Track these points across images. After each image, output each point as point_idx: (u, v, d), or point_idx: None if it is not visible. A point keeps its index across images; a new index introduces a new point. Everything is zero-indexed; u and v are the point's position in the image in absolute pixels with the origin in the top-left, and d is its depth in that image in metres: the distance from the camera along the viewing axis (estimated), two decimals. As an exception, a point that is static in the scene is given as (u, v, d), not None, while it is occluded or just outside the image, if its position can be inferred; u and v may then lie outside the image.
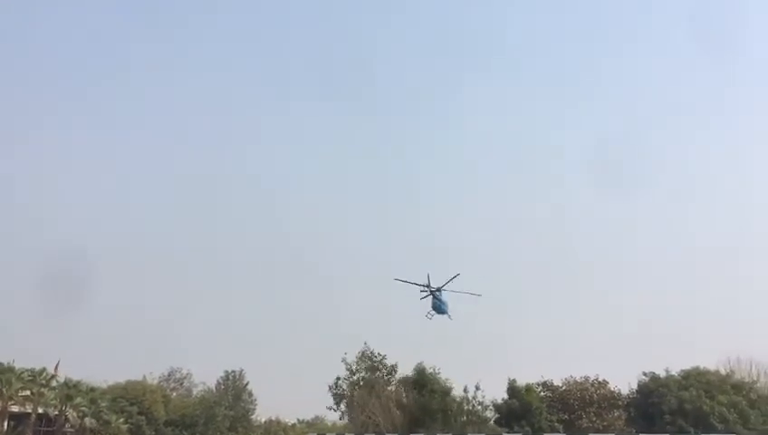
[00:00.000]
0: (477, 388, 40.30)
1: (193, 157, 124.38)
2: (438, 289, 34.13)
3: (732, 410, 45.49)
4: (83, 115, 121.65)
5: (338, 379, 49.21)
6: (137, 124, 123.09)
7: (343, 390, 48.92)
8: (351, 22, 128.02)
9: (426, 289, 34.14)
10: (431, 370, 39.56)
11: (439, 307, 35.06)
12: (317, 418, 71.08)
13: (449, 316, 35.10)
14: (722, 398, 46.20)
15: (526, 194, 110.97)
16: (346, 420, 50.13)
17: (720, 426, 42.81)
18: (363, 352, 49.58)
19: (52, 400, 54.21)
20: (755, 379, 57.10)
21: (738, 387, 49.17)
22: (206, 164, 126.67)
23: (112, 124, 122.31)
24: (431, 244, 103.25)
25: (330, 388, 49.37)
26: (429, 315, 34.81)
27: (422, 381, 38.70)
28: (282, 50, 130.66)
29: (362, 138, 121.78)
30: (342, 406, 49.22)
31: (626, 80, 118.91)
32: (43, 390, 54.22)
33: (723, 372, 52.87)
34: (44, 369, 56.22)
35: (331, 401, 49.84)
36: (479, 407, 40.46)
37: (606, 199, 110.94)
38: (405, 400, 39.98)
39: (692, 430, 41.55)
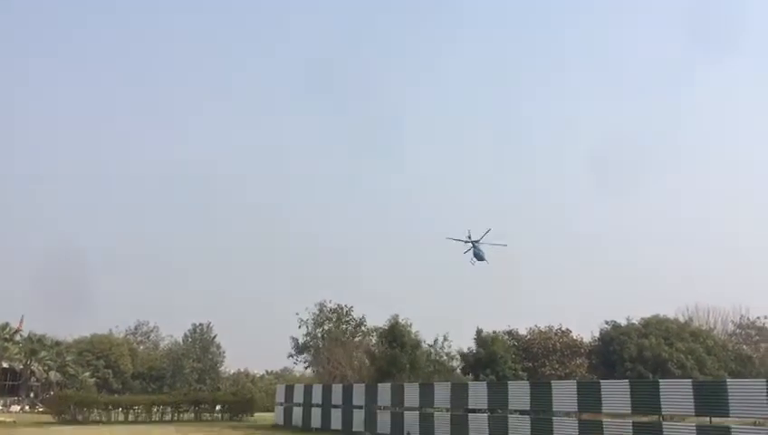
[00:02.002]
0: (445, 338, 40.92)
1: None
2: (477, 241, 41.09)
3: (689, 356, 46.86)
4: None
5: (296, 339, 49.62)
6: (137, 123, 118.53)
7: (307, 343, 49.24)
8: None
9: (469, 241, 41.09)
10: (404, 322, 39.78)
11: (479, 255, 41.61)
12: (285, 369, 71.75)
13: (487, 262, 41.88)
14: (680, 345, 47.52)
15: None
16: (311, 371, 50.66)
17: (678, 372, 44.12)
18: (321, 306, 49.80)
19: (16, 354, 53.77)
20: (713, 326, 58.88)
21: (696, 334, 50.56)
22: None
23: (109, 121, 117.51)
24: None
25: (292, 340, 49.88)
26: (472, 262, 41.65)
27: (394, 334, 38.98)
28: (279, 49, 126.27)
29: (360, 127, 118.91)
30: (307, 356, 49.64)
31: (626, 80, 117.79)
32: (6, 344, 53.69)
33: (682, 319, 54.37)
34: (7, 324, 55.61)
35: (293, 354, 50.30)
36: (446, 357, 41.14)
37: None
38: (376, 351, 40.31)
39: (651, 375, 42.75)
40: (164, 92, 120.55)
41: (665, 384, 21.10)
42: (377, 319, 48.12)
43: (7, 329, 55.13)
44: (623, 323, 50.62)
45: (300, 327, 49.55)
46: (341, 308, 50.15)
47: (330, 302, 50.43)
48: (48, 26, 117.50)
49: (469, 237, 41.36)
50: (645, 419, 21.71)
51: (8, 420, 37.40)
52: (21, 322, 57.87)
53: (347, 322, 49.75)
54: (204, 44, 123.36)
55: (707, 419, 20.02)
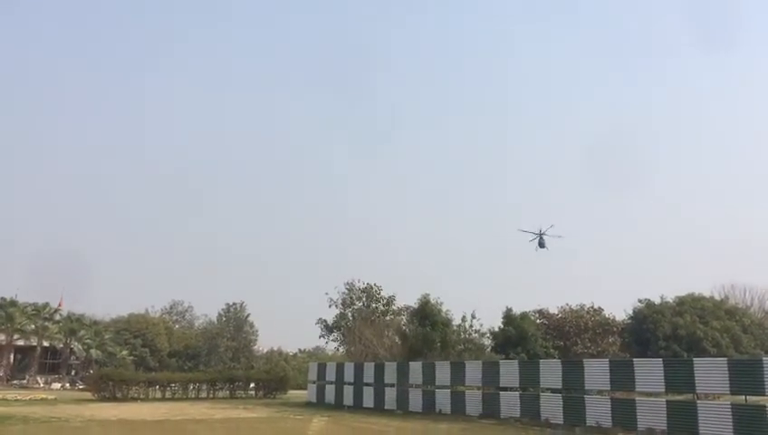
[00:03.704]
0: (473, 316, 40.67)
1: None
2: (544, 233, 50.05)
3: (725, 334, 46.18)
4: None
5: (324, 320, 50.11)
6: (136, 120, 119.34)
7: (338, 322, 49.60)
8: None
9: (538, 234, 50.04)
10: (434, 301, 39.72)
11: (543, 244, 50.26)
12: (318, 348, 72.38)
13: (547, 249, 50.74)
14: (715, 323, 46.80)
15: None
16: (342, 350, 51.04)
17: (713, 350, 43.52)
18: (351, 286, 50.07)
19: (56, 333, 55.17)
20: (749, 305, 57.89)
21: (732, 312, 49.75)
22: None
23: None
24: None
25: (320, 321, 50.41)
26: (536, 250, 50.68)
27: (425, 312, 38.99)
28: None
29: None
30: (336, 335, 50.07)
31: (624, 79, 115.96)
32: (46, 324, 55.12)
33: (717, 297, 53.50)
34: (47, 304, 57.05)
35: (324, 334, 50.83)
36: (476, 335, 40.99)
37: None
38: (407, 330, 40.38)
39: (685, 354, 42.23)
40: (163, 89, 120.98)
41: (699, 363, 20.87)
42: (406, 298, 48.41)
43: (47, 308, 56.58)
44: (657, 301, 50.06)
45: (330, 307, 49.98)
46: (371, 287, 50.37)
47: (359, 281, 50.71)
48: (48, 22, 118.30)
49: (539, 230, 50.17)
50: (679, 397, 21.56)
51: (50, 397, 38.51)
52: (60, 301, 59.42)
53: (377, 301, 49.97)
54: (201, 42, 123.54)
55: (743, 397, 19.81)
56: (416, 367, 31.42)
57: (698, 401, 20.43)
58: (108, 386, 38.63)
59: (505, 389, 26.75)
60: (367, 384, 33.66)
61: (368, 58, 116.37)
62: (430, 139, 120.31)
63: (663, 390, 21.31)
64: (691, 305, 48.72)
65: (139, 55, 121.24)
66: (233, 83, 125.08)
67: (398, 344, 40.25)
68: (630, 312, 50.81)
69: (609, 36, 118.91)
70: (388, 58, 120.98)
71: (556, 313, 49.84)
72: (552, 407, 24.23)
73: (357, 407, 33.21)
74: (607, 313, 50.23)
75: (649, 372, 21.61)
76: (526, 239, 52.02)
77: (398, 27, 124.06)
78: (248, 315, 73.99)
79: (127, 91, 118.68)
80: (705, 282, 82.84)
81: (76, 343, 55.99)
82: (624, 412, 21.70)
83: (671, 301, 49.78)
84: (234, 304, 73.67)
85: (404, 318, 45.86)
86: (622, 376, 22.38)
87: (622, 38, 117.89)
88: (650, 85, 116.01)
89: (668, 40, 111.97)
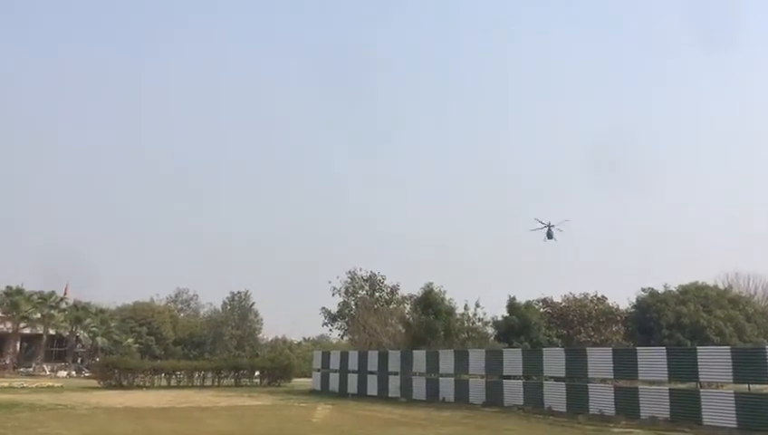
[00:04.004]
0: (477, 305, 40.63)
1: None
2: (552, 225, 52.45)
3: (728, 323, 46.21)
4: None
5: (327, 310, 50.19)
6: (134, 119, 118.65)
7: (342, 310, 49.66)
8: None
9: (546, 225, 52.50)
10: (437, 290, 39.72)
11: (551, 234, 52.68)
12: (322, 337, 72.58)
13: (555, 240, 53.23)
14: (719, 312, 46.82)
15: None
16: (346, 339, 51.14)
17: (716, 339, 43.57)
18: (353, 275, 50.11)
19: (62, 321, 55.42)
20: (753, 293, 57.85)
21: (735, 301, 49.76)
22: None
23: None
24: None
25: (323, 311, 50.49)
26: (545, 240, 53.21)
27: (428, 301, 39.01)
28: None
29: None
30: (341, 324, 50.14)
31: (624, 79, 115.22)
32: (52, 312, 55.37)
33: (721, 286, 53.49)
34: (53, 292, 57.29)
35: (327, 323, 50.94)
36: (479, 323, 40.99)
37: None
38: (411, 319, 40.42)
39: (689, 342, 42.28)
40: (162, 90, 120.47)
41: (702, 351, 20.88)
42: (410, 287, 48.48)
43: (53, 297, 56.82)
44: (660, 290, 50.07)
45: (333, 295, 50.07)
46: (374, 276, 50.40)
47: (361, 270, 50.76)
48: (48, 22, 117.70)
49: (548, 224, 52.65)
50: (682, 386, 21.59)
51: (56, 384, 38.77)
52: (66, 289, 59.63)
53: (380, 289, 50.01)
54: (201, 43, 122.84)
55: (746, 386, 19.84)
56: (419, 355, 31.52)
57: (701, 390, 20.45)
58: (113, 374, 38.85)
59: (509, 377, 26.80)
60: (371, 372, 33.77)
61: (368, 58, 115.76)
62: (430, 139, 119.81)
63: (666, 378, 21.31)
64: (695, 294, 48.75)
65: (139, 56, 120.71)
66: (232, 83, 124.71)
67: (401, 333, 40.34)
68: (634, 300, 50.94)
69: (609, 36, 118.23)
70: (389, 58, 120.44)
71: (560, 301, 49.88)
72: (555, 395, 24.30)
73: (361, 395, 33.34)
74: (610, 301, 50.34)
75: (653, 361, 21.61)
76: (530, 232, 53.85)
77: (398, 27, 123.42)
78: (253, 304, 74.19)
79: (126, 91, 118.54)
80: (709, 271, 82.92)
81: (82, 331, 56.28)
82: (627, 400, 21.74)
83: (675, 290, 49.81)
84: (238, 292, 73.89)
85: (407, 307, 45.87)
86: (625, 365, 22.40)
87: (622, 38, 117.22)
88: (650, 85, 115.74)
89: (668, 40, 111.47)
